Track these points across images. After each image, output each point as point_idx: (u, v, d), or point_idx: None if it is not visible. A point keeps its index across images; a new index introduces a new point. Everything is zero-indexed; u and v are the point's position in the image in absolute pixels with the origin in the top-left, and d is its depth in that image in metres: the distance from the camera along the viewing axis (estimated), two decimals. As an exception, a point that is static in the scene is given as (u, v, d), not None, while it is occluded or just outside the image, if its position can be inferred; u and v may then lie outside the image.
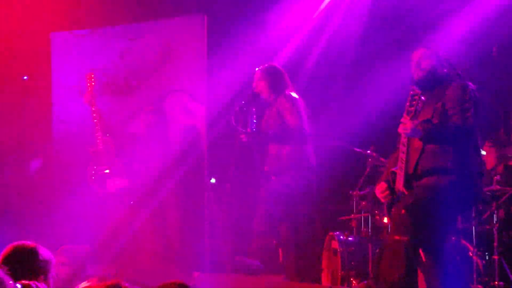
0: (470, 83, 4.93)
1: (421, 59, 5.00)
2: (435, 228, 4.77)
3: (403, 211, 4.74)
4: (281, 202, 5.92)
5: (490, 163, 6.74)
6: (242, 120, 6.02)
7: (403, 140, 4.81)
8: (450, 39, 7.41)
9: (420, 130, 4.72)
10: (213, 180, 8.14)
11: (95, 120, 7.03)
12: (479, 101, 4.89)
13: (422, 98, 4.74)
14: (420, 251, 4.94)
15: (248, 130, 5.90)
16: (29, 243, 3.79)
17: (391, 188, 4.92)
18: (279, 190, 5.90)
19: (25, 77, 8.58)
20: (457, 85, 4.89)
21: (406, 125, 4.75)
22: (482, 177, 5.01)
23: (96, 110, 7.05)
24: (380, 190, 4.98)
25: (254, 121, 5.96)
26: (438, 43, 7.17)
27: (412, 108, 4.74)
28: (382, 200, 5.04)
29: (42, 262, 3.67)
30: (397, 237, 4.77)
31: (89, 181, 7.01)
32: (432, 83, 4.94)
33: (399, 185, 4.82)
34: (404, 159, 4.79)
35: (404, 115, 4.77)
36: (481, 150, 6.42)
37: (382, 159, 6.65)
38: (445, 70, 4.99)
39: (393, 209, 4.92)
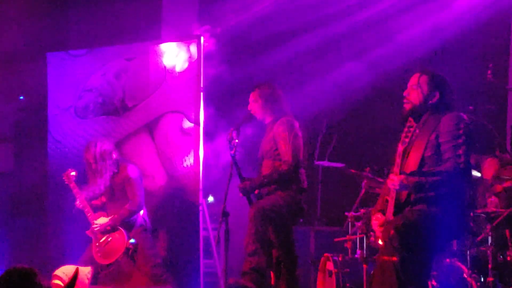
0: (463, 115, 4.90)
1: (412, 88, 5.00)
2: (424, 250, 4.75)
3: (392, 232, 4.73)
4: (269, 221, 5.86)
5: (487, 174, 6.69)
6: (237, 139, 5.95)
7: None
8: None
9: (409, 185, 4.75)
10: (211, 199, 8.13)
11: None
12: (472, 133, 4.88)
13: (417, 131, 4.80)
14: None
15: (231, 153, 5.83)
16: (26, 267, 3.76)
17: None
18: (266, 208, 5.84)
19: (21, 97, 8.60)
20: (450, 117, 4.85)
21: (394, 181, 4.78)
22: (474, 204, 5.01)
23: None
24: (378, 222, 4.96)
25: (234, 145, 5.85)
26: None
27: (407, 139, 4.80)
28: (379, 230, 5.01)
29: (39, 287, 3.64)
30: (386, 258, 4.75)
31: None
32: (423, 113, 4.96)
33: (389, 214, 4.82)
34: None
35: (395, 170, 4.80)
36: (477, 167, 6.49)
37: (379, 179, 6.64)
38: (435, 100, 4.96)
39: (382, 230, 4.90)
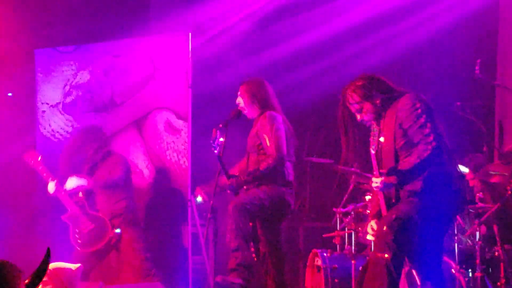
0: (415, 93, 4.88)
1: (359, 113, 4.97)
2: (419, 244, 4.76)
3: (385, 227, 4.73)
4: (250, 215, 5.85)
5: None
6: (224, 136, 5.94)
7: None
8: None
9: (392, 182, 4.76)
10: (199, 199, 8.11)
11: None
12: (430, 105, 4.84)
13: (382, 131, 4.84)
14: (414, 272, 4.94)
15: (216, 152, 5.81)
16: None
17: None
18: (245, 203, 5.83)
19: (10, 94, 8.57)
20: (404, 101, 4.83)
21: (376, 183, 4.78)
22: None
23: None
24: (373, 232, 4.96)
25: (218, 144, 5.83)
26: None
27: (375, 142, 4.83)
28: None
29: (8, 277, 3.57)
30: (378, 254, 4.75)
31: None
32: (381, 114, 4.95)
33: (384, 211, 4.83)
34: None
35: (374, 173, 4.82)
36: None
37: (368, 175, 6.65)
38: (380, 98, 4.91)
39: (376, 226, 4.90)
